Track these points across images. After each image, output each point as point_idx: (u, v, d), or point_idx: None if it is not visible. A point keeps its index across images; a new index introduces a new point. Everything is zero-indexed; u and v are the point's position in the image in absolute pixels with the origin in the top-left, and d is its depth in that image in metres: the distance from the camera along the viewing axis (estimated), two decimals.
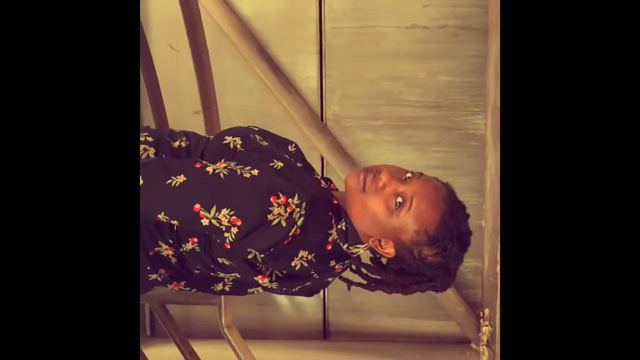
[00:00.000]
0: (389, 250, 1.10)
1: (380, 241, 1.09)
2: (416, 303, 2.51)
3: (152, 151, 1.11)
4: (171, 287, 1.15)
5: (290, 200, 1.01)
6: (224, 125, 1.35)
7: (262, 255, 1.04)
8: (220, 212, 0.99)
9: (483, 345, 2.34)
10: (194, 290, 1.17)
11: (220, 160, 1.08)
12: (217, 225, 1.00)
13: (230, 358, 1.75)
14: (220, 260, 1.08)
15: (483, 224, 2.29)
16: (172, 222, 1.03)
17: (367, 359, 2.49)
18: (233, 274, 1.12)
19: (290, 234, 1.02)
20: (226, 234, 1.01)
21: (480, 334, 2.36)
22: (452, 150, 2.42)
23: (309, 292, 1.17)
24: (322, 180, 1.18)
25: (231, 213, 0.99)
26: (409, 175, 1.08)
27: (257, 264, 1.07)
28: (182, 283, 1.15)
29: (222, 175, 1.01)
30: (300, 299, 2.58)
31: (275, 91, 2.40)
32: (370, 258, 1.18)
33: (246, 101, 2.44)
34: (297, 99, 2.41)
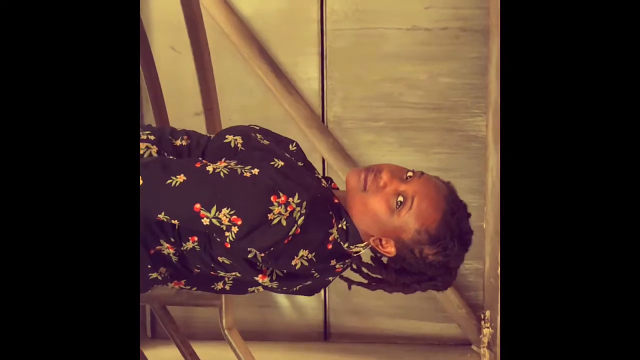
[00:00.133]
0: (390, 249, 1.09)
1: (381, 240, 1.09)
2: (417, 305, 2.51)
3: (154, 149, 1.11)
4: (171, 285, 1.15)
5: (290, 199, 1.01)
6: (225, 126, 1.35)
7: (263, 255, 1.04)
8: (220, 211, 0.99)
9: (484, 347, 2.34)
10: (194, 289, 1.17)
11: (221, 159, 1.08)
12: (218, 224, 1.00)
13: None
14: (220, 259, 1.08)
15: (484, 226, 2.29)
16: (173, 221, 1.03)
17: None
18: (233, 273, 1.12)
19: (290, 233, 1.02)
20: (227, 234, 1.01)
21: (481, 336, 2.36)
22: (453, 152, 2.42)
23: (310, 292, 1.17)
24: (322, 180, 1.18)
25: (231, 212, 0.99)
26: (410, 174, 1.08)
27: (258, 263, 1.07)
28: (183, 282, 1.15)
29: (222, 174, 1.01)
30: (301, 300, 2.58)
31: (276, 92, 2.40)
32: (371, 257, 1.18)
33: (247, 102, 2.44)
34: (298, 100, 2.41)
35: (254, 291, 1.19)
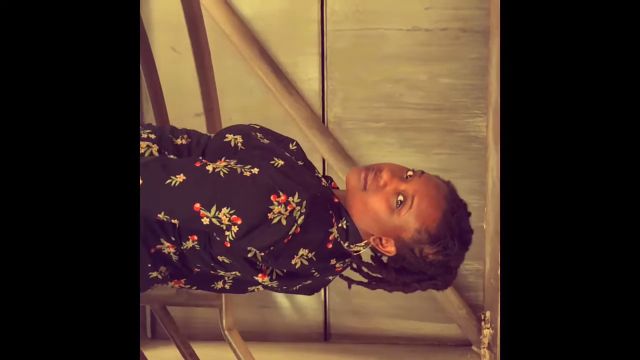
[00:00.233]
0: (390, 248, 1.09)
1: (381, 239, 1.09)
2: (417, 305, 2.51)
3: (155, 148, 1.11)
4: (171, 284, 1.15)
5: (290, 198, 1.00)
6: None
7: (262, 254, 1.04)
8: (220, 211, 0.99)
9: (484, 347, 2.34)
10: (194, 288, 1.17)
11: (221, 158, 1.08)
12: (218, 224, 1.00)
13: None
14: (220, 258, 1.08)
15: (484, 227, 2.29)
16: (173, 221, 1.03)
17: None
18: (233, 273, 1.12)
19: (290, 233, 1.02)
20: (227, 233, 1.01)
21: (481, 337, 2.36)
22: (453, 153, 2.42)
23: (310, 291, 1.17)
24: (322, 179, 1.18)
25: (231, 212, 0.99)
26: (410, 173, 1.08)
27: (257, 263, 1.07)
28: (182, 281, 1.15)
29: (222, 174, 1.01)
30: (301, 301, 2.58)
31: (276, 93, 2.40)
32: (371, 256, 1.18)
33: (248, 103, 2.44)
34: (298, 100, 2.41)
35: (254, 290, 1.19)
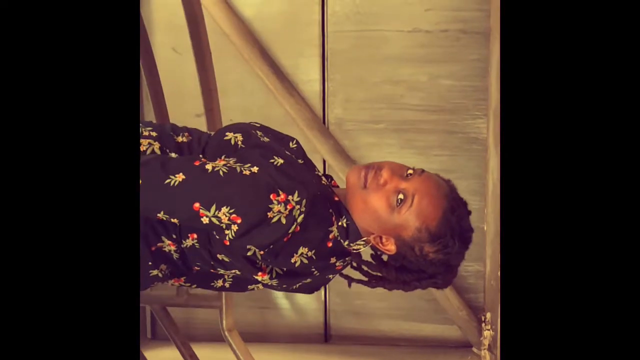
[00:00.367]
0: (390, 247, 1.09)
1: (381, 238, 1.09)
2: (418, 306, 2.51)
3: (156, 145, 1.10)
4: (171, 283, 1.15)
5: (290, 197, 1.00)
6: None
7: (262, 252, 1.04)
8: (220, 210, 0.99)
9: (485, 349, 2.33)
10: (194, 286, 1.17)
11: (221, 157, 1.08)
12: (217, 223, 1.00)
13: None
14: (219, 256, 1.08)
15: (485, 228, 2.29)
16: (172, 220, 1.03)
17: None
18: (233, 271, 1.11)
19: (290, 231, 1.02)
20: (226, 232, 1.01)
21: (481, 338, 2.36)
22: (454, 154, 2.42)
23: (310, 290, 1.17)
24: (323, 177, 1.18)
25: (231, 211, 0.99)
26: (410, 172, 1.08)
27: (257, 261, 1.06)
28: (182, 279, 1.15)
29: (221, 173, 1.00)
30: (301, 302, 2.58)
31: (277, 94, 2.40)
32: (371, 255, 1.17)
33: (248, 104, 2.44)
34: (299, 102, 2.41)
35: (253, 289, 1.19)
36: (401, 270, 1.13)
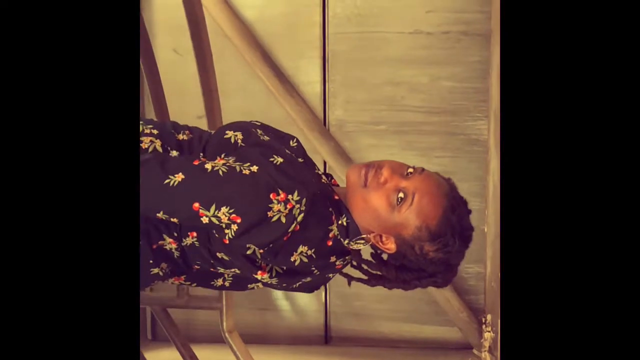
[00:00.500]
0: (390, 245, 1.09)
1: (381, 237, 1.09)
2: (418, 308, 2.51)
3: (158, 143, 1.10)
4: (171, 281, 1.15)
5: (290, 196, 1.00)
6: None
7: (261, 251, 1.03)
8: (219, 210, 0.99)
9: (485, 351, 2.33)
10: (194, 285, 1.17)
11: (221, 155, 1.07)
12: (217, 222, 1.00)
13: None
14: (219, 255, 1.08)
15: (485, 230, 2.29)
16: (172, 220, 1.03)
17: None
18: (233, 270, 1.11)
19: (290, 230, 1.01)
20: (226, 231, 1.01)
21: (482, 340, 2.35)
22: (454, 156, 2.42)
23: (310, 289, 1.17)
24: (323, 176, 1.18)
25: (231, 211, 0.99)
26: (410, 170, 1.08)
27: (257, 260, 1.06)
28: (182, 277, 1.14)
29: (220, 172, 1.00)
30: (302, 303, 2.58)
31: (278, 95, 2.41)
32: (371, 254, 1.17)
33: (249, 105, 2.44)
34: (300, 103, 2.41)
35: (253, 288, 1.18)
36: (401, 269, 1.13)
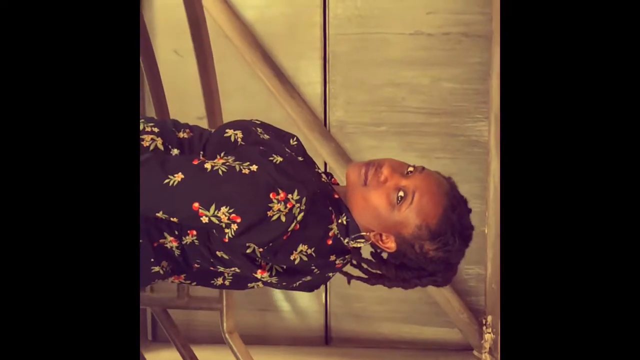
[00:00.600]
0: (390, 244, 1.09)
1: (381, 235, 1.09)
2: (419, 309, 2.51)
3: (159, 141, 1.10)
4: (171, 280, 1.15)
5: (289, 196, 1.00)
6: None
7: (261, 250, 1.03)
8: (219, 210, 0.98)
9: (485, 352, 2.33)
10: (194, 283, 1.17)
11: (220, 153, 1.07)
12: (217, 222, 1.00)
13: None
14: (219, 253, 1.08)
15: (486, 231, 2.28)
16: (172, 219, 1.03)
17: None
18: (232, 269, 1.11)
19: (289, 229, 1.01)
20: (226, 231, 1.01)
21: (482, 341, 2.35)
22: (455, 157, 2.42)
23: (310, 288, 1.17)
24: (323, 175, 1.18)
25: (230, 211, 0.98)
26: (410, 169, 1.08)
27: (257, 258, 1.06)
28: (182, 276, 1.14)
29: (220, 172, 1.00)
30: (302, 304, 2.58)
31: (278, 96, 2.41)
32: (371, 253, 1.17)
33: (250, 106, 2.44)
34: (300, 104, 2.41)
35: (253, 287, 1.18)
36: (401, 268, 1.13)
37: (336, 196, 1.11)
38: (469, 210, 1.11)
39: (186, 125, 1.17)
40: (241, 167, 1.01)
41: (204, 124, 1.66)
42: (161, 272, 1.11)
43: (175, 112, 1.69)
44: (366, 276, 1.18)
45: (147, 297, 1.83)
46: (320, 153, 2.40)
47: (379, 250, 1.15)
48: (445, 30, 2.35)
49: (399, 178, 1.06)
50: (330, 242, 1.07)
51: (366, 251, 1.17)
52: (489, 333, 2.32)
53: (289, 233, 1.02)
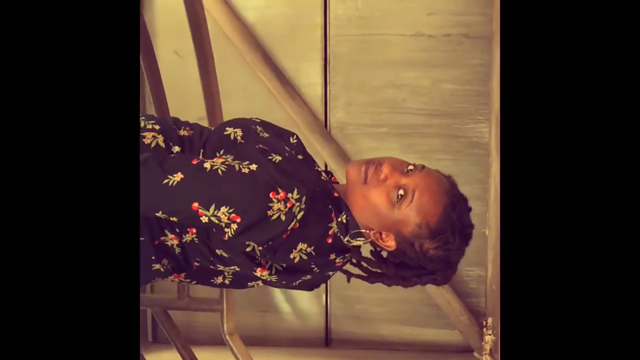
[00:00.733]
0: (390, 243, 1.09)
1: (381, 234, 1.09)
2: (419, 311, 2.51)
3: (160, 138, 1.10)
4: (171, 278, 1.15)
5: (289, 195, 1.00)
6: None
7: (260, 248, 1.03)
8: (219, 209, 0.98)
9: (486, 354, 2.33)
10: (194, 282, 1.17)
11: (220, 151, 1.07)
12: (217, 222, 0.99)
13: None
14: (218, 252, 1.08)
15: (487, 233, 2.28)
16: (171, 219, 1.03)
17: None
18: (232, 267, 1.11)
19: (289, 228, 1.01)
20: (226, 230, 1.01)
21: (483, 343, 2.35)
22: (456, 159, 2.42)
23: (309, 287, 1.17)
24: (322, 173, 1.18)
25: (230, 210, 0.98)
26: (410, 167, 1.08)
27: (256, 257, 1.06)
28: (182, 275, 1.14)
29: (219, 171, 1.00)
30: (302, 306, 2.58)
31: (279, 97, 2.41)
32: (371, 251, 1.17)
33: (250, 107, 2.44)
34: (301, 105, 2.41)
35: (253, 286, 1.18)
36: (401, 267, 1.13)
37: (336, 194, 1.11)
38: (469, 209, 1.11)
39: (186, 123, 1.17)
40: (240, 166, 1.01)
41: (204, 124, 1.66)
42: (162, 269, 1.10)
43: (176, 112, 1.68)
44: (366, 274, 1.18)
45: (148, 298, 1.83)
46: (321, 154, 2.40)
47: (378, 249, 1.15)
48: (446, 32, 2.35)
49: (399, 176, 1.06)
50: (330, 240, 1.07)
51: (366, 250, 1.17)
52: (490, 335, 2.32)
53: (289, 232, 1.02)
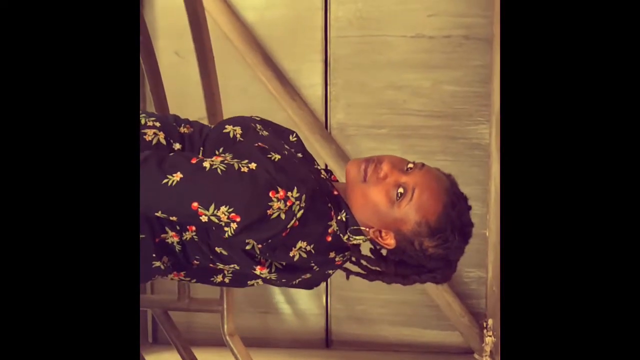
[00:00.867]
0: (390, 241, 1.09)
1: (380, 232, 1.08)
2: (419, 312, 2.50)
3: (161, 135, 1.10)
4: (171, 277, 1.14)
5: (289, 193, 1.00)
6: None
7: (260, 246, 1.03)
8: (219, 209, 0.98)
9: (486, 355, 2.33)
10: (194, 280, 1.17)
11: (219, 149, 1.07)
12: (217, 221, 0.99)
13: None
14: (218, 250, 1.07)
15: (487, 234, 2.28)
16: (171, 218, 1.03)
17: None
18: (232, 266, 1.11)
19: (289, 226, 1.01)
20: (226, 229, 1.00)
21: (483, 345, 2.35)
22: (456, 160, 2.42)
23: (309, 285, 1.17)
24: (322, 171, 1.18)
25: (230, 210, 0.98)
26: (410, 165, 1.08)
27: (256, 255, 1.06)
28: (182, 273, 1.14)
29: (219, 170, 0.99)
30: (302, 307, 2.58)
31: (280, 98, 2.41)
32: (371, 249, 1.17)
33: (251, 108, 2.43)
34: (301, 106, 2.41)
35: (253, 284, 1.18)
36: (400, 265, 1.13)
37: (335, 193, 1.11)
38: (469, 207, 1.11)
39: (186, 121, 1.17)
40: (240, 165, 1.01)
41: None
42: (162, 267, 1.10)
43: (176, 112, 1.68)
44: (365, 272, 1.17)
45: (148, 299, 1.83)
46: (321, 155, 2.40)
47: (378, 247, 1.15)
48: (447, 33, 2.35)
49: (399, 174, 1.06)
50: (329, 238, 1.07)
51: (365, 248, 1.17)
52: (490, 336, 2.32)
53: (288, 230, 1.02)
